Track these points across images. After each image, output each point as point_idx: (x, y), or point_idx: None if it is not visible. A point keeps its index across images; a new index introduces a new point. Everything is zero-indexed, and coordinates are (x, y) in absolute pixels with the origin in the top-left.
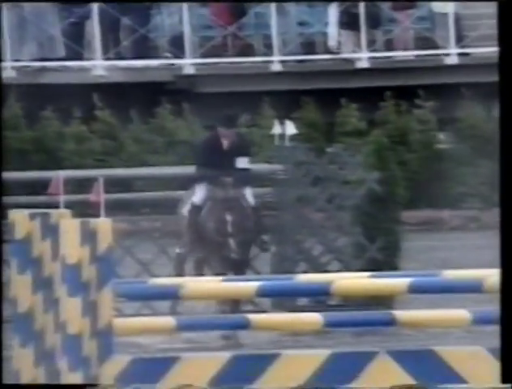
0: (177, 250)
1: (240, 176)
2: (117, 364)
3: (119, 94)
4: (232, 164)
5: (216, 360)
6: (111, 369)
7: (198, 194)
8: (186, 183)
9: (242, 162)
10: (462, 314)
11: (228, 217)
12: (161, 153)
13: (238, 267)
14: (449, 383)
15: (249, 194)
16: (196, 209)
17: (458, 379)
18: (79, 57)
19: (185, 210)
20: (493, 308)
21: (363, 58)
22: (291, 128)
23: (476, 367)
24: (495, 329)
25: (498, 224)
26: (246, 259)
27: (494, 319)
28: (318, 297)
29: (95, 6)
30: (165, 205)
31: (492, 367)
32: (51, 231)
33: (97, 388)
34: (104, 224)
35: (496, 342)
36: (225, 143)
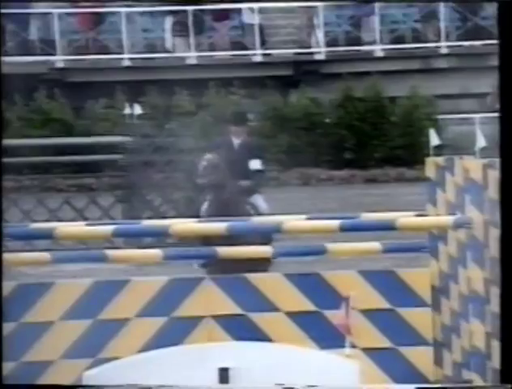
0: None
1: (253, 179)
2: (5, 288)
3: (6, 83)
4: (243, 165)
5: (82, 284)
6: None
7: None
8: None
9: (254, 164)
10: (266, 249)
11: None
12: (38, 128)
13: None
14: (255, 301)
15: (260, 200)
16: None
17: (263, 298)
18: None
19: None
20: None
21: (192, 57)
22: (138, 109)
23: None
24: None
25: (295, 183)
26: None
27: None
28: (160, 237)
29: None
30: (42, 167)
31: (288, 289)
32: None
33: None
34: None
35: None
36: (235, 140)
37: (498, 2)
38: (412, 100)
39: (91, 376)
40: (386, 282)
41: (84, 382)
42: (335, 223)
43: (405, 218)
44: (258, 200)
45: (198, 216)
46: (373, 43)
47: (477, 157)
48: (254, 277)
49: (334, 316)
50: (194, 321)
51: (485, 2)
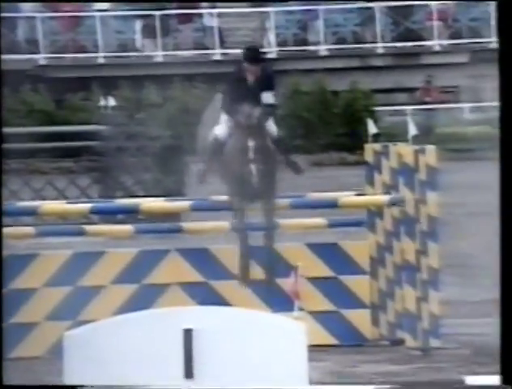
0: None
1: (264, 110)
2: None
3: None
4: (256, 98)
5: (63, 255)
6: None
7: (221, 126)
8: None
9: (267, 97)
10: (224, 224)
11: (251, 143)
12: (24, 118)
13: (262, 194)
14: (216, 270)
15: (271, 125)
16: (218, 142)
17: (223, 268)
18: None
19: (206, 132)
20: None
21: (159, 55)
22: (112, 101)
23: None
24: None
25: None
26: (271, 187)
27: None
28: (131, 214)
29: None
30: (27, 152)
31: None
32: None
33: None
34: None
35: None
36: (250, 78)
37: (498, 2)
38: (352, 94)
39: (71, 336)
40: (330, 253)
41: (65, 342)
42: (286, 201)
43: (346, 197)
44: (271, 125)
45: (165, 195)
46: (317, 44)
47: (409, 144)
48: (215, 249)
49: (285, 283)
50: (161, 288)
51: (485, 1)
